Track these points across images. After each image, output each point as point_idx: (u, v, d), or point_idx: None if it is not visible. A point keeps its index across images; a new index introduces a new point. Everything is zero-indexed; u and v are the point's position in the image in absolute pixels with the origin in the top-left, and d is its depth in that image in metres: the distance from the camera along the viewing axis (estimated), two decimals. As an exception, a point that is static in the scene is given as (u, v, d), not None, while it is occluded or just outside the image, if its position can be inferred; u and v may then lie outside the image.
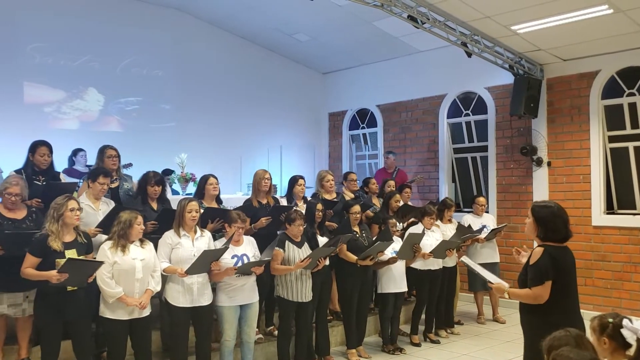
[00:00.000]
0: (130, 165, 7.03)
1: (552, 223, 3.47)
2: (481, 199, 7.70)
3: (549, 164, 8.14)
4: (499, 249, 7.64)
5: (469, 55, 7.46)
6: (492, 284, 3.77)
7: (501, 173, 8.74)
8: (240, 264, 4.82)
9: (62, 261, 4.01)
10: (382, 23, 8.46)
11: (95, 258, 4.32)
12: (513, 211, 8.45)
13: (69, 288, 4.13)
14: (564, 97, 8.06)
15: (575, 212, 7.85)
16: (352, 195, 6.89)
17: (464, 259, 4.26)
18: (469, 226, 7.23)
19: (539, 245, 3.54)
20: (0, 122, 7.53)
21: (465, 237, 6.91)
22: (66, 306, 4.16)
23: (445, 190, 9.38)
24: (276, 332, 5.78)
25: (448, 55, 8.71)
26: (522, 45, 7.50)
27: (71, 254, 4.14)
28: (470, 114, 9.27)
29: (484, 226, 7.36)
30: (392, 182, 7.64)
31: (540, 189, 8.18)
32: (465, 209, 9.02)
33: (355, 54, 10.17)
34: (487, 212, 8.06)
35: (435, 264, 6.62)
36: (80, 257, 4.19)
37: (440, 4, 6.39)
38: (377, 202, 7.23)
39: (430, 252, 6.29)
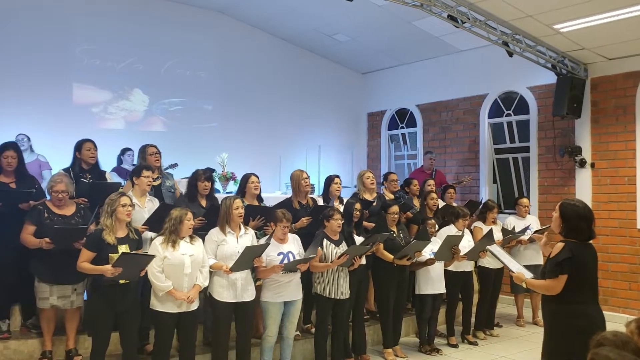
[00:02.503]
0: (176, 165, 7.22)
1: (575, 223, 3.58)
2: (524, 200, 7.58)
3: (592, 165, 7.97)
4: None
5: (511, 54, 7.37)
6: (513, 272, 3.94)
7: (543, 174, 8.60)
8: (286, 261, 4.92)
9: (115, 256, 4.15)
10: (422, 23, 8.44)
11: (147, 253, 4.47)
12: (555, 213, 8.27)
13: (122, 281, 4.27)
14: (608, 97, 7.88)
15: (619, 214, 7.69)
16: (392, 196, 6.88)
17: (491, 247, 4.34)
18: (513, 228, 7.15)
19: (560, 241, 3.63)
20: (51, 121, 7.83)
21: (508, 238, 6.84)
22: (118, 299, 4.30)
23: (486, 191, 9.29)
24: (313, 330, 5.85)
25: (489, 54, 8.62)
26: (565, 44, 7.37)
27: (124, 249, 4.28)
28: (512, 114, 9.15)
29: (527, 227, 7.25)
30: (431, 182, 7.61)
31: (583, 191, 8.01)
32: (506, 211, 8.90)
33: (395, 53, 10.16)
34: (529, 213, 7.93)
35: (469, 266, 6.59)
36: (133, 252, 4.32)
37: (480, 3, 6.34)
38: (417, 203, 7.21)
39: (464, 255, 6.25)
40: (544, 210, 8.43)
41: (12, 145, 5.00)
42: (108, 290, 4.24)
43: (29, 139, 7.04)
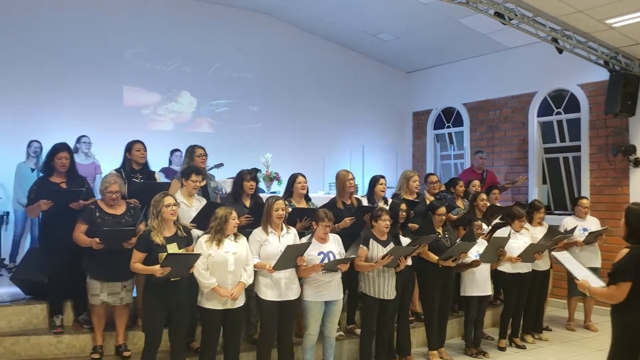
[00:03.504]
0: (221, 165, 7.33)
1: (637, 226, 3.45)
2: (584, 201, 7.30)
3: (648, 164, 7.68)
4: (601, 254, 7.14)
5: (560, 51, 7.17)
6: (578, 280, 3.81)
7: (595, 174, 8.33)
8: (326, 260, 4.93)
9: (164, 255, 4.27)
10: (469, 20, 8.31)
11: (194, 250, 4.57)
12: (607, 214, 7.96)
13: (173, 279, 4.38)
14: (665, 94, 7.57)
15: (677, 216, 7.35)
16: (432, 198, 6.78)
17: (557, 254, 4.22)
18: (566, 230, 6.94)
19: (626, 247, 3.50)
20: (103, 123, 8.05)
21: (556, 239, 6.63)
22: (171, 295, 4.42)
23: (535, 191, 9.06)
24: (357, 331, 5.85)
25: (538, 51, 8.42)
26: (618, 40, 7.11)
27: (172, 247, 4.39)
28: (562, 112, 8.90)
29: (576, 227, 7.00)
30: (476, 182, 7.43)
31: (638, 192, 7.71)
32: (556, 212, 8.67)
33: (441, 52, 10.04)
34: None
35: (525, 268, 6.41)
36: (179, 252, 4.43)
37: (528, -1, 6.20)
38: (461, 204, 7.09)
39: (518, 256, 6.11)
40: (595, 212, 8.12)
41: (66, 147, 5.18)
42: (160, 287, 4.36)
43: (90, 142, 7.29)
